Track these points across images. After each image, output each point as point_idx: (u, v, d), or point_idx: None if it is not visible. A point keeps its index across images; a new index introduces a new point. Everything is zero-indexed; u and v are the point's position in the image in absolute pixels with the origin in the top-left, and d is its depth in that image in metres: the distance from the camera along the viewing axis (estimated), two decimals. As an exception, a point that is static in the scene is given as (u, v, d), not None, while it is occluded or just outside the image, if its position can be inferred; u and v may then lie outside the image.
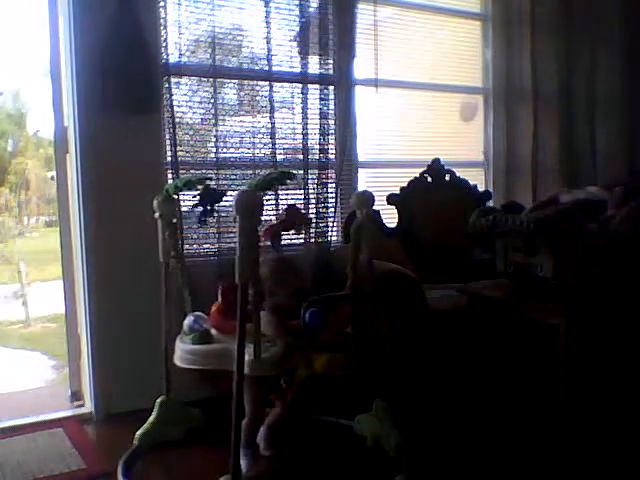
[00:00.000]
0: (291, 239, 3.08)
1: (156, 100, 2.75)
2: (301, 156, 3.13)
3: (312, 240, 3.13)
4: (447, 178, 3.54)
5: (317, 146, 3.15)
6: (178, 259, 2.35)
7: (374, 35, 3.42)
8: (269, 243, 2.06)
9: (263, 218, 1.84)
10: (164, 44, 2.76)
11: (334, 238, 3.20)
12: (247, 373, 1.82)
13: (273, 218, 2.92)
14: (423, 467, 2.17)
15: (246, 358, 1.81)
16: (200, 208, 2.18)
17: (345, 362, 1.98)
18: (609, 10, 3.99)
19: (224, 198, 2.86)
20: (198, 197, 2.19)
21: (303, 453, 2.28)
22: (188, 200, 2.73)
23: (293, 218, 2.09)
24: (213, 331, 2.07)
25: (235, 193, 1.82)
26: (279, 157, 3.10)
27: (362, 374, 2.13)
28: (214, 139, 2.96)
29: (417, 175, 3.46)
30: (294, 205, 2.34)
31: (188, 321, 2.14)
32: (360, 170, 3.45)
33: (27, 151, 11.05)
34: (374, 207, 2.31)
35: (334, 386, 2.24)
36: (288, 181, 2.03)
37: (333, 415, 2.46)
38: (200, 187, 2.20)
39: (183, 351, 2.05)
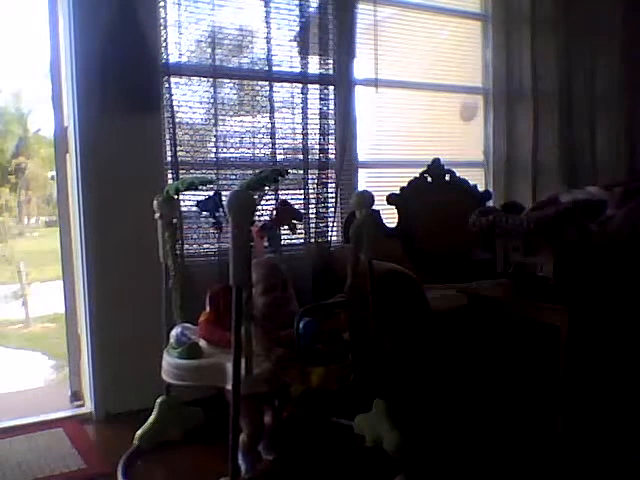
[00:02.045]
0: (291, 239, 3.08)
1: (156, 100, 2.75)
2: (301, 156, 3.13)
3: (312, 240, 3.13)
4: (447, 178, 3.54)
5: (317, 146, 3.15)
6: (175, 261, 2.32)
7: (374, 35, 3.42)
8: (266, 242, 2.03)
9: (262, 218, 1.83)
10: (164, 44, 2.76)
11: (334, 238, 3.20)
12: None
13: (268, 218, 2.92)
14: (423, 467, 2.17)
15: None
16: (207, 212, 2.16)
17: (342, 373, 1.92)
18: (609, 10, 3.99)
19: (223, 198, 2.88)
20: (203, 203, 2.17)
21: (303, 453, 2.28)
22: (188, 200, 2.74)
23: (285, 215, 2.06)
24: (202, 342, 2.01)
25: (227, 193, 1.80)
26: (279, 157, 3.10)
27: (360, 382, 2.10)
28: (214, 139, 2.96)
29: (417, 175, 3.46)
30: (285, 201, 2.29)
31: (175, 332, 2.08)
32: (360, 170, 3.45)
33: (27, 151, 11.05)
34: (374, 207, 2.32)
35: (331, 394, 2.21)
36: (282, 178, 2.01)
37: (333, 415, 2.46)
38: (204, 188, 2.19)
39: (170, 365, 1.98)
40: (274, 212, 2.09)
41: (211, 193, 2.15)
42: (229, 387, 1.78)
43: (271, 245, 2.03)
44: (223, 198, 2.14)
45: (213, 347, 1.98)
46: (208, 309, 2.06)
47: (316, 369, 1.88)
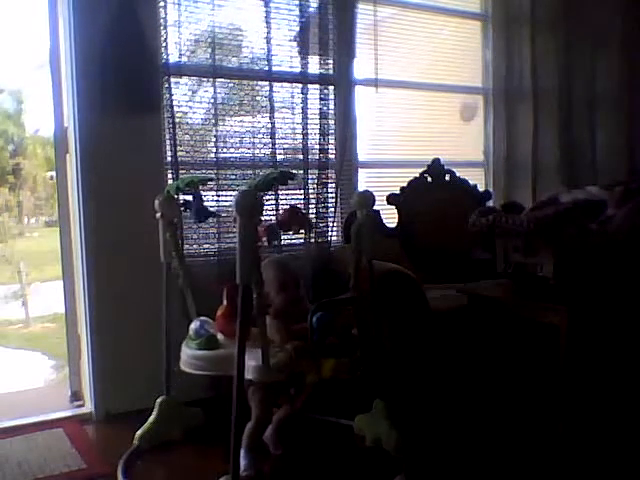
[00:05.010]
0: (291, 239, 3.08)
1: (156, 100, 2.75)
2: (301, 156, 3.13)
3: (312, 240, 3.12)
4: (447, 178, 3.53)
5: (317, 146, 3.15)
6: (180, 260, 2.34)
7: (374, 35, 3.42)
8: (266, 242, 2.05)
9: (263, 218, 1.83)
10: (164, 44, 2.76)
11: (334, 238, 3.20)
12: (255, 379, 1.82)
13: (273, 218, 2.92)
14: (423, 467, 2.17)
15: (254, 364, 1.80)
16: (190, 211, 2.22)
17: (352, 365, 1.96)
18: (609, 10, 3.99)
19: (223, 198, 2.89)
20: (187, 207, 2.22)
21: (303, 453, 2.28)
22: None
23: (291, 220, 2.07)
24: (219, 336, 2.06)
25: (235, 193, 1.82)
26: (279, 157, 3.10)
27: (368, 376, 2.12)
28: (214, 139, 2.96)
29: (417, 175, 3.46)
30: (295, 206, 2.32)
31: (194, 326, 2.11)
32: (360, 170, 3.45)
33: (27, 151, 11.04)
34: (374, 207, 2.31)
35: (340, 389, 2.23)
36: (289, 181, 2.02)
37: (333, 415, 2.46)
38: (199, 187, 2.21)
39: (189, 356, 2.03)
40: (284, 214, 2.10)
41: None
42: (245, 376, 1.81)
43: (268, 241, 2.04)
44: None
45: (229, 339, 2.01)
46: (225, 304, 2.09)
47: (328, 360, 1.92)
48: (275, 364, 1.84)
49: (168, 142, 2.80)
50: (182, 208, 2.30)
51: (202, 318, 2.16)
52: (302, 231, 2.14)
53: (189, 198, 2.29)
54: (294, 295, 2.07)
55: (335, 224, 3.20)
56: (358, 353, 2.00)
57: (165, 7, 2.75)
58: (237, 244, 1.76)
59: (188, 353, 2.04)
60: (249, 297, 1.78)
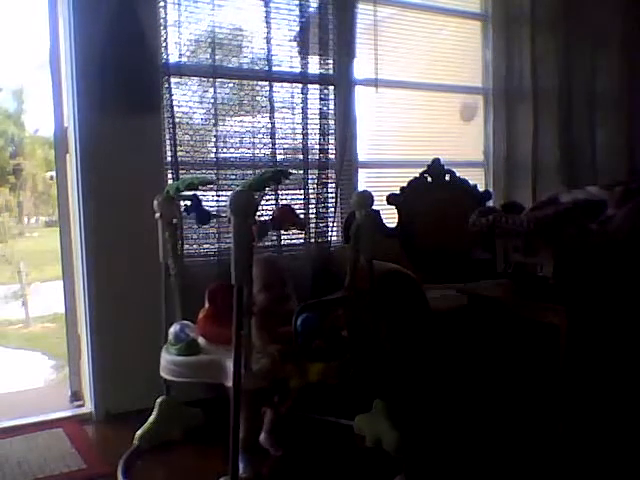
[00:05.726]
0: (291, 239, 3.08)
1: (156, 100, 2.75)
2: (301, 156, 3.13)
3: (312, 240, 3.13)
4: (447, 178, 3.54)
5: (317, 146, 3.15)
6: (175, 260, 2.33)
7: (374, 35, 3.42)
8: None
9: (262, 218, 1.83)
10: (164, 44, 2.76)
11: (334, 238, 3.20)
12: None
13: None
14: (423, 467, 2.17)
15: None
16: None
17: (341, 369, 1.93)
18: (609, 10, 3.99)
19: (223, 198, 2.89)
20: (186, 207, 2.21)
21: (303, 453, 2.28)
22: (188, 200, 2.74)
23: (283, 218, 2.06)
24: (201, 340, 2.02)
25: (229, 193, 1.80)
26: (279, 157, 3.10)
27: (360, 380, 2.11)
28: (214, 139, 2.96)
29: (417, 175, 3.46)
30: (288, 205, 2.31)
31: (174, 329, 2.08)
32: (360, 170, 3.45)
33: (27, 151, 11.04)
34: (374, 207, 2.31)
35: (336, 390, 2.22)
36: (285, 180, 2.01)
37: (333, 415, 2.46)
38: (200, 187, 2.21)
39: (168, 362, 1.99)
40: (276, 212, 2.09)
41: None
42: (227, 383, 1.79)
43: (258, 238, 2.02)
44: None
45: (212, 344, 1.98)
46: (207, 306, 2.06)
47: (314, 365, 1.89)
48: (258, 370, 1.82)
49: (168, 142, 2.80)
50: (185, 213, 2.29)
51: (183, 322, 2.14)
52: (296, 227, 2.10)
53: (189, 202, 2.29)
54: (279, 294, 2.04)
55: (335, 224, 3.20)
56: (348, 355, 1.98)
57: (165, 7, 2.75)
58: (232, 244, 1.74)
59: (167, 359, 2.00)
60: (244, 299, 1.75)
